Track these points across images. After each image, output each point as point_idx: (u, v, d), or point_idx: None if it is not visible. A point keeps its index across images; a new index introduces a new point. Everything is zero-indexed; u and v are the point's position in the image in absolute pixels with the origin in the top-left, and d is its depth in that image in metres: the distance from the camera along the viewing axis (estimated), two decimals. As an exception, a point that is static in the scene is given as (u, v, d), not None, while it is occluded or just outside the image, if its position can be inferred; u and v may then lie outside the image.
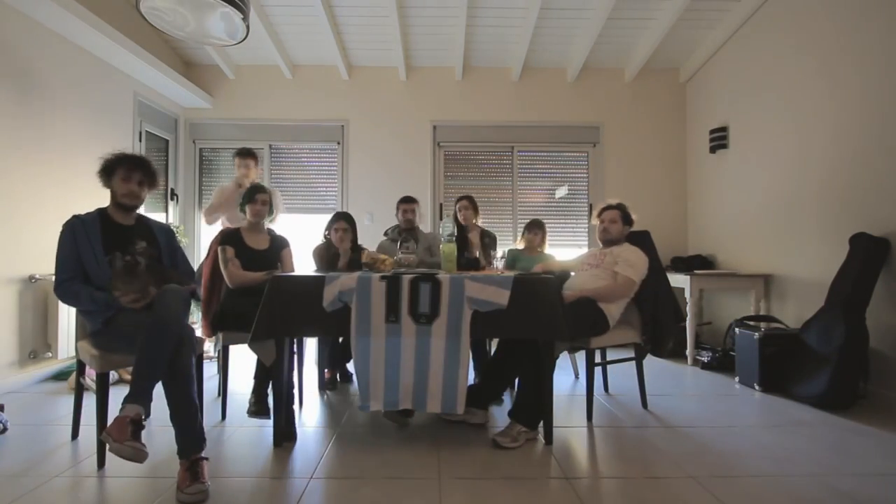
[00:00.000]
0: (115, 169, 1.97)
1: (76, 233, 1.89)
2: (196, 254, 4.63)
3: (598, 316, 2.37)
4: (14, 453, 1.95)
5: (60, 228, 1.91)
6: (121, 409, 1.58)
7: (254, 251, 2.56)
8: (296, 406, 2.32)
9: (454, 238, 2.46)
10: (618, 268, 2.44)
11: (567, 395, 2.82)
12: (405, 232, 3.29)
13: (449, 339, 1.96)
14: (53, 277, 1.89)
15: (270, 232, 2.72)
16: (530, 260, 3.16)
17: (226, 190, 3.39)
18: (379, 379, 1.98)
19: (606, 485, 1.71)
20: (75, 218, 1.93)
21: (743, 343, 3.07)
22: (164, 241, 2.10)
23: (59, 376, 3.07)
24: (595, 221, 2.72)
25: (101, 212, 2.00)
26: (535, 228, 3.32)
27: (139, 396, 1.61)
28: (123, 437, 1.51)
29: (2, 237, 2.80)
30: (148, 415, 1.62)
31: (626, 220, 2.62)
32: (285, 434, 2.08)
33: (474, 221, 3.42)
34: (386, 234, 3.53)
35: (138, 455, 1.52)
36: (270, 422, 2.15)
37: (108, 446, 1.52)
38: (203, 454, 1.67)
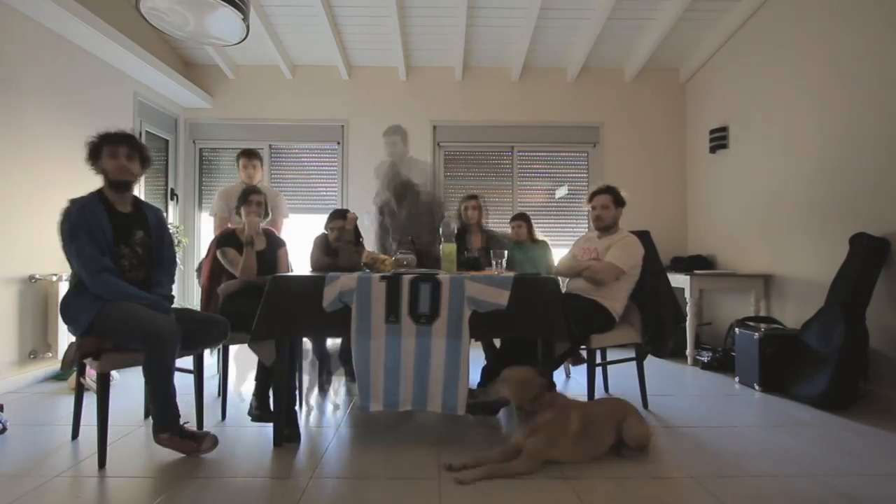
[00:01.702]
0: (101, 148, 1.91)
1: (89, 220, 1.83)
2: (196, 254, 4.64)
3: (602, 314, 2.39)
4: (14, 453, 1.95)
5: (61, 216, 1.85)
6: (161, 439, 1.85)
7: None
8: (296, 407, 2.31)
9: (454, 237, 2.44)
10: (607, 255, 2.45)
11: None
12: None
13: (449, 339, 1.96)
14: (65, 275, 1.91)
15: (267, 233, 2.72)
16: (523, 252, 3.16)
17: (230, 192, 3.25)
18: (379, 379, 1.98)
19: (606, 485, 1.71)
20: (79, 206, 1.85)
21: (743, 343, 3.07)
22: (154, 224, 2.07)
23: (59, 376, 3.07)
24: (586, 207, 2.67)
25: (100, 196, 1.93)
26: (519, 220, 3.32)
27: (172, 424, 1.86)
28: (191, 447, 1.86)
29: (2, 237, 2.81)
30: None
31: (619, 202, 2.58)
32: (289, 436, 2.06)
33: (476, 222, 3.25)
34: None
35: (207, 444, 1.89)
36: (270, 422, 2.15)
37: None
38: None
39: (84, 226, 1.82)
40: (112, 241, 1.88)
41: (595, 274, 2.41)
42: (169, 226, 2.38)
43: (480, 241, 3.21)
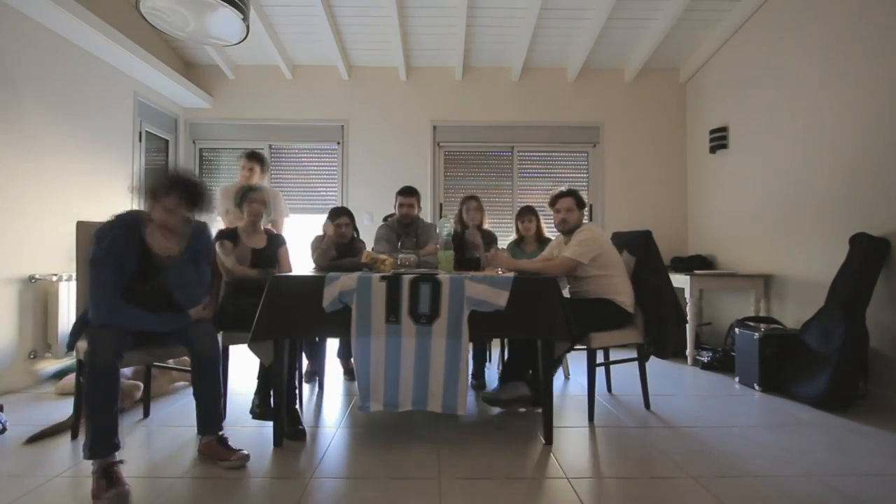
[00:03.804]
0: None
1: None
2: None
3: (613, 308, 2.40)
4: (14, 453, 1.95)
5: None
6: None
7: (251, 250, 2.56)
8: (297, 406, 2.30)
9: (451, 240, 2.42)
10: (565, 251, 2.47)
11: (559, 395, 2.81)
12: (404, 227, 3.10)
13: (449, 339, 1.96)
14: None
15: (268, 231, 2.72)
16: (532, 255, 3.07)
17: (229, 190, 3.31)
18: (379, 379, 1.98)
19: (606, 485, 1.71)
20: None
21: (743, 343, 3.07)
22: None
23: (59, 376, 3.07)
24: (550, 211, 2.68)
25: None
26: (529, 214, 3.15)
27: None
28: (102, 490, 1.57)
29: (2, 237, 2.80)
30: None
31: (580, 204, 2.63)
32: (294, 433, 2.08)
33: (478, 223, 3.21)
34: (385, 219, 3.37)
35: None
36: (271, 421, 2.15)
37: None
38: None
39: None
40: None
41: (546, 270, 2.41)
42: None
43: (479, 237, 3.09)
